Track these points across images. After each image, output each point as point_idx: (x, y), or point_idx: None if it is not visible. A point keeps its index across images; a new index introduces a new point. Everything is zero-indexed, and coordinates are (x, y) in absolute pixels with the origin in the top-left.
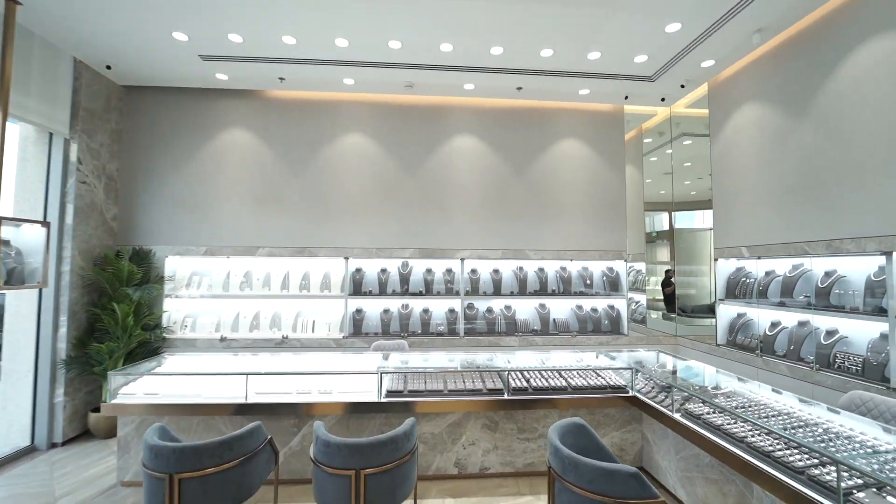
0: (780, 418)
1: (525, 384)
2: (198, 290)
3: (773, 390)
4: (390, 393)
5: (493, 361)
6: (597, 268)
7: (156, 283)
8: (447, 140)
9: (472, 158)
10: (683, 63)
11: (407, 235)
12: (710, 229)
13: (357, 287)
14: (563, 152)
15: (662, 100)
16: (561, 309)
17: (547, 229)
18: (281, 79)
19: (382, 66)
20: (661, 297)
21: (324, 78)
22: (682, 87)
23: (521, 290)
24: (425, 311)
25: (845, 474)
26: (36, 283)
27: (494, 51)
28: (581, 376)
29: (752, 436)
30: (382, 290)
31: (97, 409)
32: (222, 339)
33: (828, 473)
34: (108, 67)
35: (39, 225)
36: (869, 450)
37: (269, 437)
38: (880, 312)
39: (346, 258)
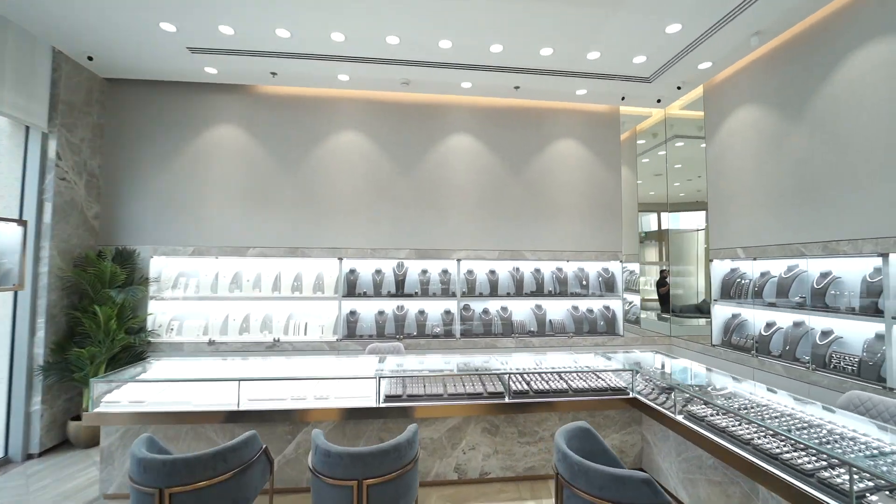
0: (783, 419)
1: (526, 387)
2: (185, 291)
3: (768, 389)
4: (389, 398)
5: (491, 364)
6: (592, 268)
7: (140, 285)
8: (443, 139)
9: (469, 158)
10: (681, 65)
11: (402, 236)
12: (698, 230)
13: (351, 288)
14: (560, 152)
15: (658, 101)
16: (557, 310)
17: (543, 230)
18: (273, 74)
19: (379, 62)
20: (653, 298)
21: (318, 73)
22: (679, 88)
23: (518, 291)
24: (421, 312)
25: (856, 476)
26: (12, 286)
27: (494, 48)
28: (581, 378)
29: (759, 438)
30: (377, 292)
31: (77, 418)
32: (210, 343)
33: (838, 476)
34: (90, 59)
35: (15, 224)
36: (875, 451)
37: (265, 446)
38: (876, 313)
39: (340, 259)
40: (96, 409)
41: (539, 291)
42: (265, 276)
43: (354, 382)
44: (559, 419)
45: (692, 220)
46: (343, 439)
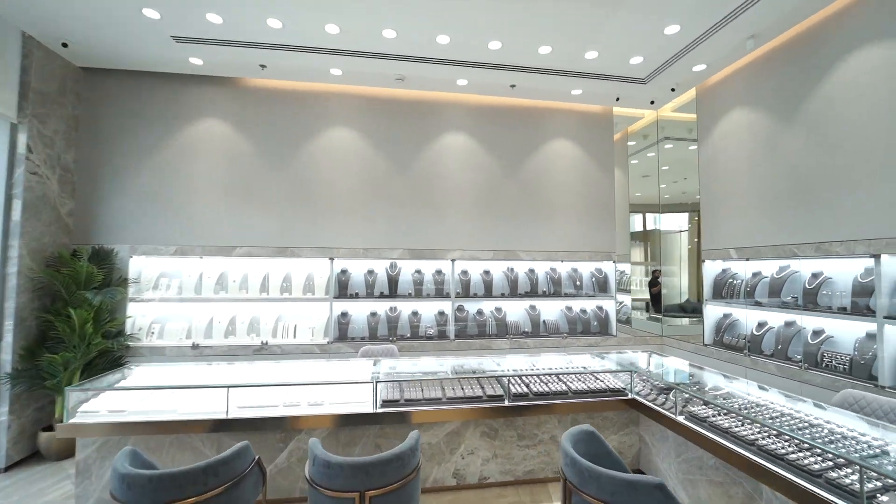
0: (783, 419)
1: (526, 390)
2: (166, 292)
3: (761, 387)
4: (386, 403)
5: (487, 365)
6: (586, 269)
7: (119, 286)
8: (438, 137)
9: (464, 156)
10: (676, 66)
11: (396, 235)
12: (681, 231)
13: (343, 289)
14: (554, 152)
15: (652, 103)
16: (551, 310)
17: (538, 230)
18: (262, 66)
19: (374, 56)
20: (641, 298)
21: (309, 67)
22: (673, 90)
23: (512, 291)
24: (414, 313)
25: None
26: None
27: (492, 45)
28: (580, 380)
29: (763, 438)
30: (370, 293)
31: (49, 428)
32: (194, 347)
33: (846, 476)
34: (65, 45)
35: None
36: (877, 450)
37: (257, 457)
38: (868, 312)
39: (331, 259)
40: (72, 420)
41: (533, 292)
42: (252, 276)
43: (350, 387)
44: (558, 422)
45: (676, 222)
46: (338, 447)
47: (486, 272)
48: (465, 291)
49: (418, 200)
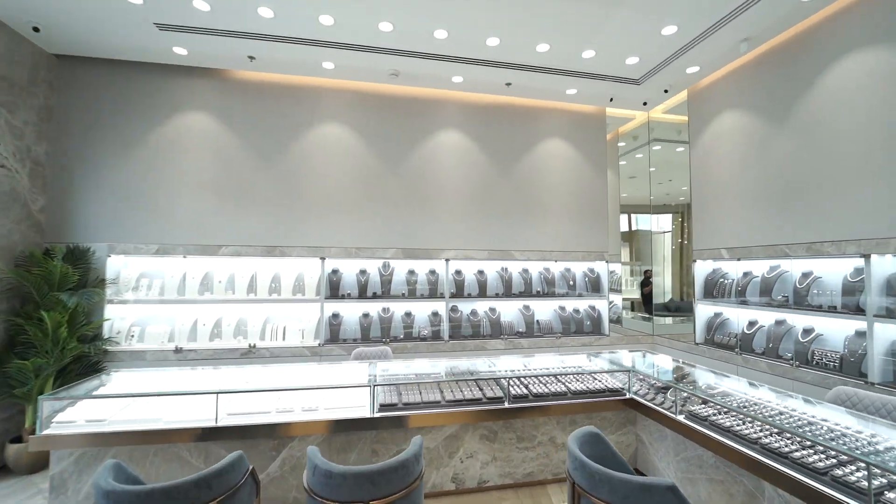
0: (783, 417)
1: (525, 391)
2: (147, 294)
3: (750, 384)
4: (384, 407)
5: (482, 366)
6: (579, 269)
7: (96, 287)
8: (432, 134)
9: (458, 155)
10: (671, 68)
11: (388, 234)
12: (665, 232)
13: (334, 290)
14: (548, 152)
15: (644, 104)
16: (544, 310)
17: (532, 229)
18: (251, 58)
19: (368, 50)
20: (628, 297)
21: (301, 59)
22: (666, 91)
23: (507, 291)
24: (407, 314)
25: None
26: None
27: (490, 42)
28: (578, 380)
29: (766, 436)
30: (362, 293)
31: (17, 440)
32: (177, 350)
33: (851, 474)
34: (36, 30)
35: None
36: (878, 447)
37: (251, 467)
38: (858, 311)
39: (322, 258)
40: (46, 431)
41: (527, 292)
42: (239, 276)
43: (345, 391)
44: (557, 423)
45: (660, 223)
46: (331, 453)
47: (481, 272)
48: (460, 291)
49: (411, 199)
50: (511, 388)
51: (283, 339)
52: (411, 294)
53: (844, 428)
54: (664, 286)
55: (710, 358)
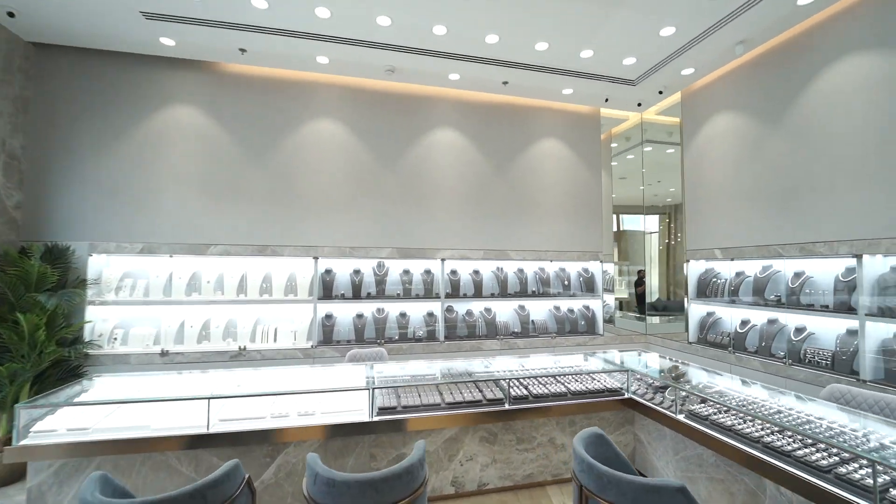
0: (782, 416)
1: (525, 392)
2: (131, 295)
3: (744, 382)
4: (382, 410)
5: (482, 368)
6: (573, 269)
7: (76, 288)
8: (427, 132)
9: (454, 153)
10: (666, 69)
11: (383, 233)
12: (652, 233)
13: (327, 290)
14: (543, 152)
15: (639, 105)
16: (539, 310)
17: (528, 229)
18: (242, 50)
19: (364, 44)
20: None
21: (294, 53)
22: (660, 93)
23: (502, 291)
24: (402, 315)
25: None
26: None
27: (489, 39)
28: (577, 380)
29: (767, 435)
30: (356, 294)
31: None
32: (163, 354)
33: (854, 472)
34: (11, 15)
35: None
36: (877, 444)
37: (247, 475)
38: (849, 310)
39: (315, 258)
40: (24, 441)
41: (523, 292)
42: (229, 276)
43: (341, 395)
44: (556, 424)
45: (647, 223)
46: (330, 459)
47: (476, 272)
48: (455, 292)
49: (407, 197)
50: (511, 390)
51: (275, 340)
52: (406, 294)
53: (842, 426)
54: (651, 286)
55: (704, 357)
